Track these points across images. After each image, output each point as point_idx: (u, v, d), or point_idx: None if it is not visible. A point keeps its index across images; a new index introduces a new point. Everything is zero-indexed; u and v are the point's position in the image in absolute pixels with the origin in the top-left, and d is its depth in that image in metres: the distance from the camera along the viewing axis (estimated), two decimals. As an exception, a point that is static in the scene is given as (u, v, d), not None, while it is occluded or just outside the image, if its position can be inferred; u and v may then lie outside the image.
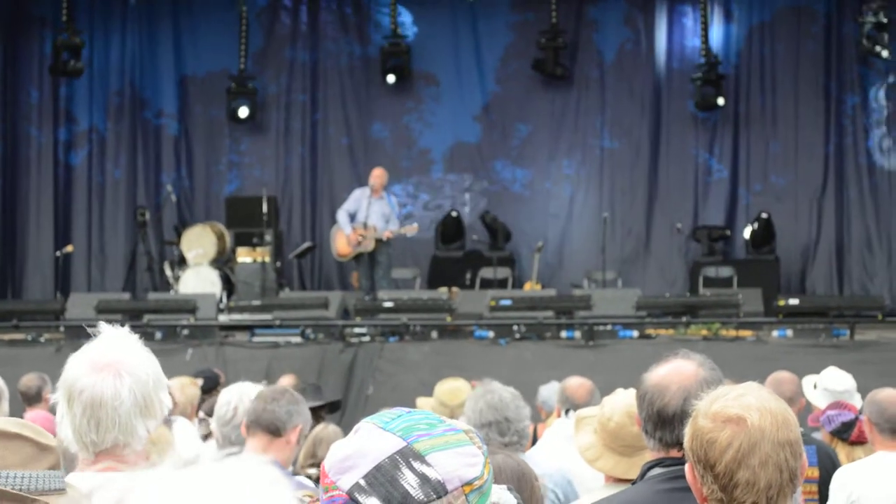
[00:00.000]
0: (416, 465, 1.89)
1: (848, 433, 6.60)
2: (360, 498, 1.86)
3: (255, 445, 4.75)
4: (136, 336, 3.19)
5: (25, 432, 2.60)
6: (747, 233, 18.02)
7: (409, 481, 1.87)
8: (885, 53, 17.71)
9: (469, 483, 1.91)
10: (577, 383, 7.21)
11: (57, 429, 3.93)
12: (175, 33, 20.02)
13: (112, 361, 3.09)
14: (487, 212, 18.75)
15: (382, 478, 1.87)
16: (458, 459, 1.92)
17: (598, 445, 4.35)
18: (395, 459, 1.89)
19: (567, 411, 6.93)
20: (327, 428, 7.59)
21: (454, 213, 18.73)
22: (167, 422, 6.68)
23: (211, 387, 9.58)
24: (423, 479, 1.87)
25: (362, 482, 1.88)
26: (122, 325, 3.22)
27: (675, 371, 3.43)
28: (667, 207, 18.92)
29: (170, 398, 3.22)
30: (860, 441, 6.57)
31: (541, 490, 3.79)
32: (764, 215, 17.92)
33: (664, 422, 3.39)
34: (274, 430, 4.75)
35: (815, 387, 7.70)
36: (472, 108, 19.56)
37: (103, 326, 3.18)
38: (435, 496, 1.87)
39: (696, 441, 2.70)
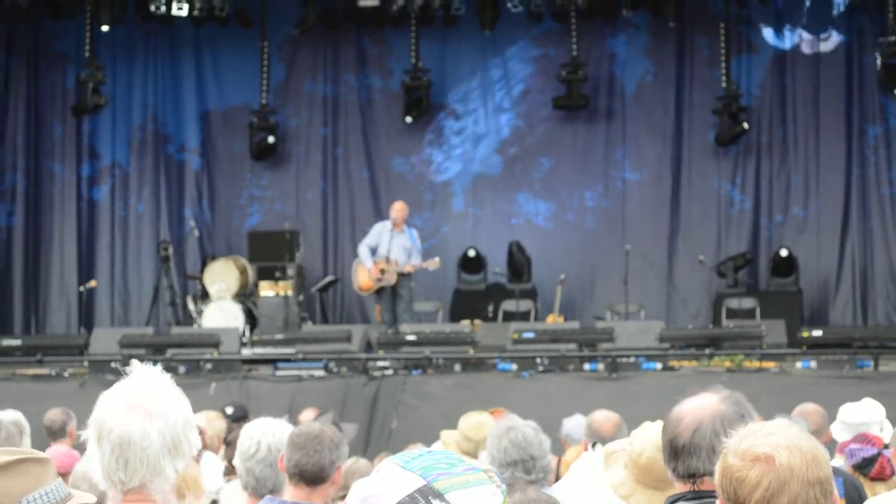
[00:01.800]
0: (435, 502, 1.90)
1: (868, 468, 6.53)
2: None
3: (299, 495, 4.74)
4: (167, 375, 3.20)
5: (20, 455, 2.66)
6: (784, 252, 17.97)
7: None
8: None
9: None
10: (604, 417, 7.17)
11: (75, 464, 3.95)
12: (197, 68, 20.13)
13: (142, 401, 3.10)
14: (518, 242, 18.72)
15: None
16: (476, 498, 1.93)
17: (630, 481, 4.33)
18: (415, 497, 1.91)
19: (594, 445, 6.91)
20: (358, 462, 7.64)
21: (471, 254, 18.71)
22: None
23: (240, 416, 9.61)
24: None
25: None
26: (148, 361, 3.23)
27: (695, 404, 3.43)
28: (689, 239, 18.89)
29: (199, 439, 3.22)
30: (881, 477, 6.51)
31: None
32: (783, 252, 17.90)
33: (675, 453, 3.39)
34: (320, 480, 4.75)
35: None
36: (494, 141, 19.58)
37: (135, 364, 3.19)
38: None
39: (726, 479, 2.70)
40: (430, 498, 1.90)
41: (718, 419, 3.33)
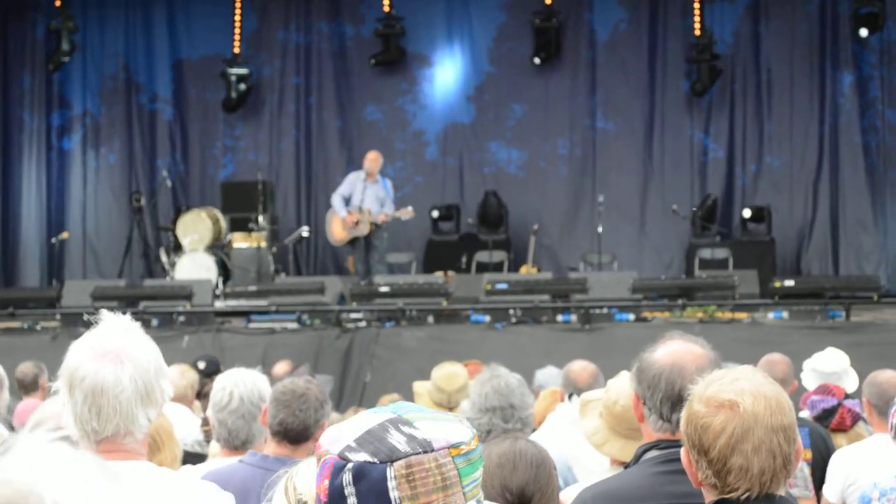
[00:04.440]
0: (404, 428, 1.95)
1: (828, 420, 6.58)
2: (350, 455, 1.93)
3: (282, 451, 4.71)
4: (137, 323, 3.18)
5: None
6: (747, 213, 18.02)
7: (397, 439, 1.94)
8: (863, 32, 17.71)
9: (456, 446, 1.95)
10: (581, 367, 7.16)
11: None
12: (169, 17, 20.00)
13: (113, 349, 3.08)
14: (495, 192, 18.69)
15: (371, 437, 1.95)
16: (444, 426, 1.98)
17: (604, 429, 4.35)
18: (385, 424, 1.96)
19: (570, 395, 6.92)
20: (332, 415, 7.62)
21: (434, 215, 18.64)
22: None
23: (212, 370, 9.59)
24: (410, 437, 1.94)
25: (353, 444, 1.95)
26: (122, 313, 3.20)
27: (686, 351, 3.41)
28: (662, 188, 18.89)
29: (171, 386, 3.20)
30: (841, 428, 6.55)
31: (556, 479, 3.76)
32: (746, 213, 17.93)
33: (683, 402, 3.37)
34: (304, 438, 4.72)
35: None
36: (466, 89, 19.53)
37: (104, 314, 3.16)
38: (421, 450, 1.93)
39: (691, 426, 2.71)
40: (398, 425, 1.96)
41: (715, 365, 3.31)
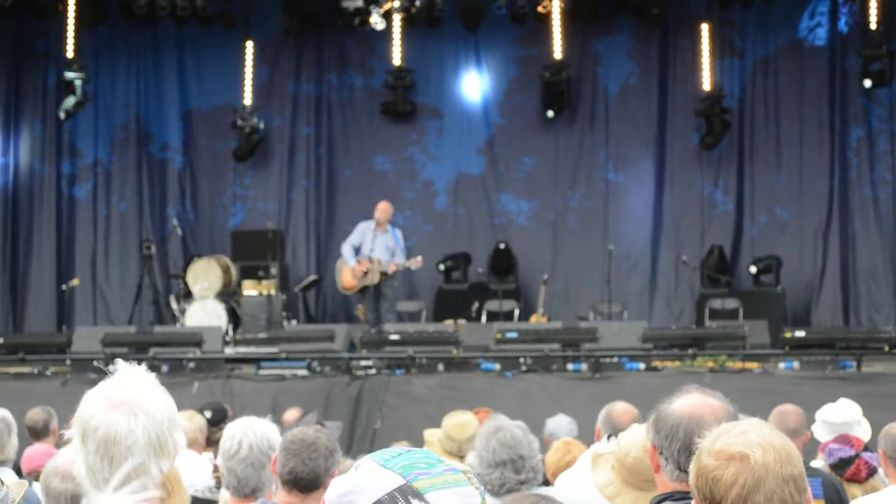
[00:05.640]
0: (415, 502, 1.90)
1: (844, 469, 6.53)
2: None
3: (293, 500, 4.70)
4: (152, 374, 3.18)
5: None
6: (753, 270, 18.03)
7: None
8: (867, 83, 17.78)
9: None
10: (623, 409, 6.99)
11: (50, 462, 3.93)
12: (180, 67, 20.10)
13: (127, 399, 3.07)
14: (506, 242, 18.72)
15: None
16: (455, 499, 1.94)
17: (616, 482, 4.34)
18: (395, 496, 1.91)
19: (609, 437, 6.82)
20: (344, 462, 7.60)
21: (441, 267, 18.62)
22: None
23: (219, 419, 9.57)
24: None
25: None
26: (130, 359, 3.21)
27: (704, 403, 3.44)
28: (672, 240, 18.91)
29: (184, 437, 3.20)
30: (856, 479, 6.51)
31: None
32: (752, 270, 17.92)
33: None
34: (314, 487, 4.71)
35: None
36: (477, 141, 19.58)
37: (119, 363, 3.17)
38: None
39: (702, 479, 2.71)
40: (409, 497, 1.90)
41: (733, 418, 3.33)
